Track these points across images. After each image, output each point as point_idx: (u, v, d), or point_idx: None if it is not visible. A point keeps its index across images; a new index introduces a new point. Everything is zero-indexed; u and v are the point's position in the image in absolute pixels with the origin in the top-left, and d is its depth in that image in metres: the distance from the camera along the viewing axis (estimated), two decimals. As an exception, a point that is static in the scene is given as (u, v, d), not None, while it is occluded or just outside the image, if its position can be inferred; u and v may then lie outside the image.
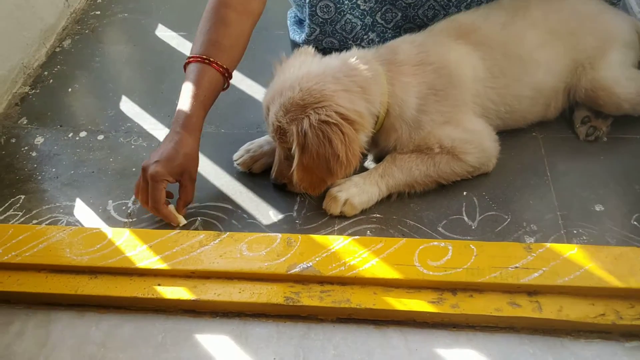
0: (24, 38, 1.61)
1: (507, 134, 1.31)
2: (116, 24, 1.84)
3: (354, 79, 1.12)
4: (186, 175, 1.15)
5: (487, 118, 1.25)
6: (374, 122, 1.15)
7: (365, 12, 1.36)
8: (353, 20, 1.36)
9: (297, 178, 1.12)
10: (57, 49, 1.73)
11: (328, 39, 1.44)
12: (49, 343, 1.01)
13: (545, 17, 1.26)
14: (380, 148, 1.23)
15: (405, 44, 1.22)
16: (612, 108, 1.27)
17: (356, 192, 1.18)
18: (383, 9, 1.36)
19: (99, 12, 1.89)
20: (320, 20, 1.36)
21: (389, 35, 1.43)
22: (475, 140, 1.19)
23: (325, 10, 1.35)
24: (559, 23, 1.26)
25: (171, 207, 1.16)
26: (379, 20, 1.38)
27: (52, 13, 1.75)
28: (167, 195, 1.16)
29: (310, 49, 1.21)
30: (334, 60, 1.17)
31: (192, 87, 1.16)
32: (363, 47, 1.37)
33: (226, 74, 1.19)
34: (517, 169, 1.25)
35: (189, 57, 1.19)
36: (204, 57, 1.17)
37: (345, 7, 1.34)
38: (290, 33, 1.58)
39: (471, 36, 1.23)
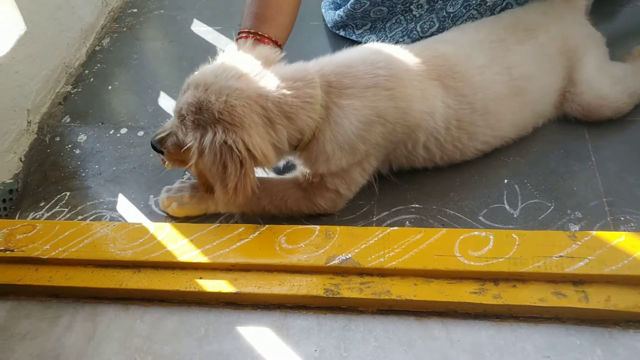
0: (65, 38, 1.65)
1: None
2: (152, 20, 1.86)
3: (283, 108, 1.02)
4: None
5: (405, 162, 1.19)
6: (291, 147, 1.08)
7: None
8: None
9: (193, 172, 1.12)
10: (97, 48, 1.77)
11: (376, 8, 1.44)
12: (97, 336, 1.04)
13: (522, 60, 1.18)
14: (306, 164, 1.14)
15: (363, 66, 1.08)
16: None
17: (183, 198, 1.21)
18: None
19: (135, 10, 1.91)
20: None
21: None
22: (347, 195, 1.15)
23: None
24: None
25: None
26: (418, 29, 1.39)
27: (91, 12, 1.78)
28: None
29: (265, 48, 1.12)
30: (272, 79, 1.04)
31: None
32: (414, 16, 1.40)
33: (276, 44, 1.19)
34: (559, 154, 1.21)
35: (239, 32, 1.20)
36: (252, 31, 1.18)
37: None
38: (326, 17, 1.62)
39: (447, 80, 1.12)
